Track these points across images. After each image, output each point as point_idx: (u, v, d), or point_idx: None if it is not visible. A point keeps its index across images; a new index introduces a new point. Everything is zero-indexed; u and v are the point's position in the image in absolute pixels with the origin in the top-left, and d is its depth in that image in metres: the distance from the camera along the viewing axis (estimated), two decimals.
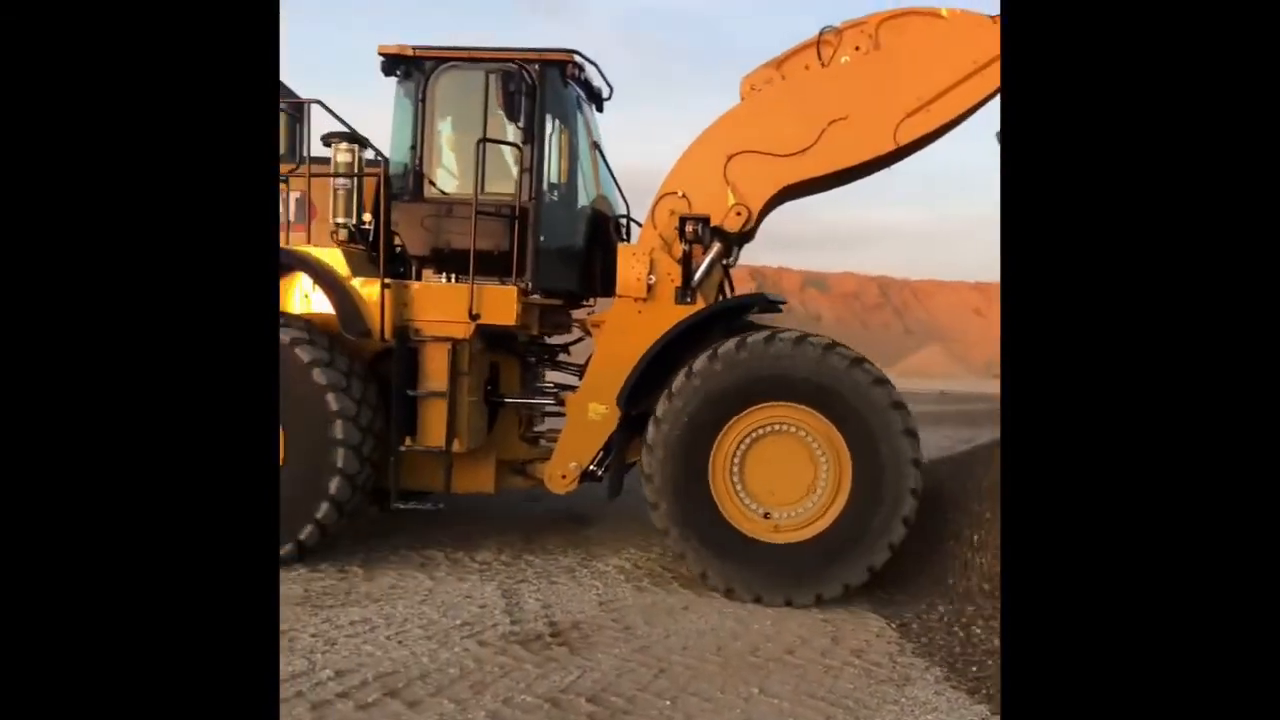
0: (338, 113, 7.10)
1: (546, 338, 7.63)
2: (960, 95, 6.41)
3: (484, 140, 6.61)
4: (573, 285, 7.18)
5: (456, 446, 6.70)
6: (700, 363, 6.13)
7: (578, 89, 7.23)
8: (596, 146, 7.51)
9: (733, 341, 6.16)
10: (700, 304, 6.66)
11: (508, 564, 6.75)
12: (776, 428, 6.14)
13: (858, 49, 6.62)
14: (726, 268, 7.02)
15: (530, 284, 6.79)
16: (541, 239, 6.79)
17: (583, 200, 7.35)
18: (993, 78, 6.29)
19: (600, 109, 7.86)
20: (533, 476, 7.19)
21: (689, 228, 6.61)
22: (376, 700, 4.21)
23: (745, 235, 6.96)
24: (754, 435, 6.15)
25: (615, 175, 7.86)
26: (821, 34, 6.68)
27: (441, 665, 4.68)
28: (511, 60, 6.76)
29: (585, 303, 7.66)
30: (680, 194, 6.72)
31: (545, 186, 6.91)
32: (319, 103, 7.13)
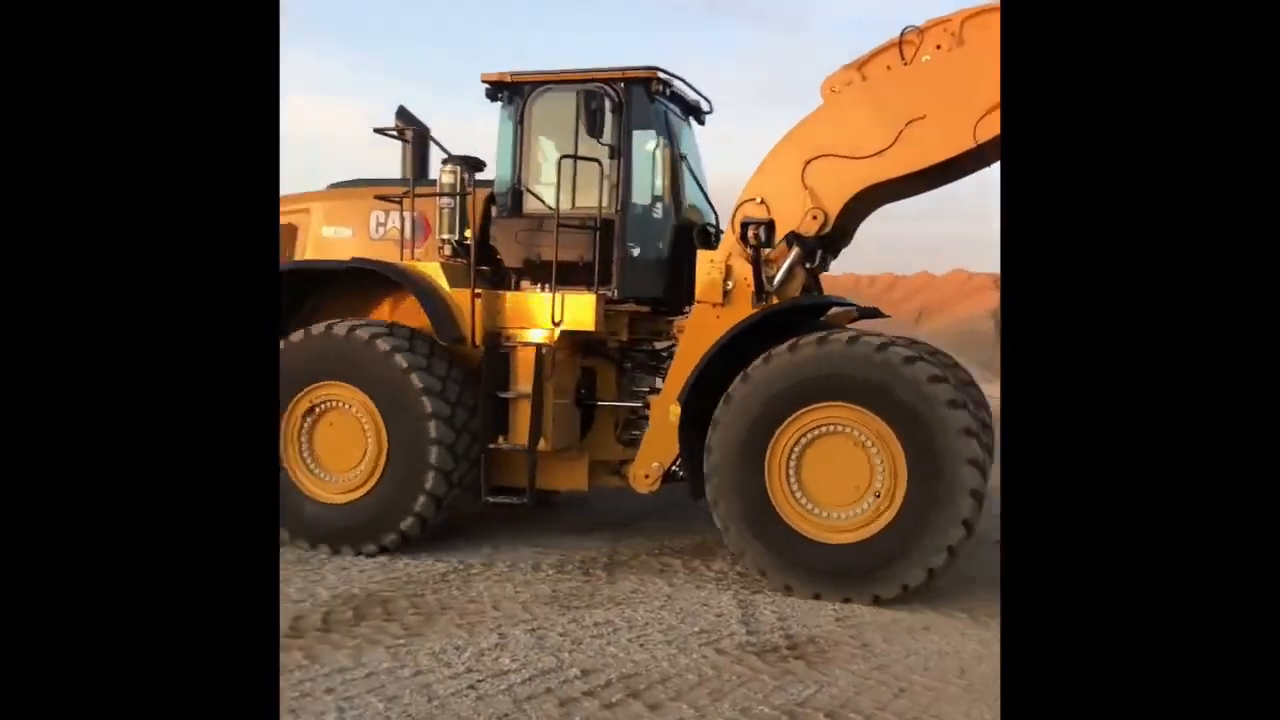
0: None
1: (653, 344, 7.93)
2: None
3: (565, 157, 6.97)
4: (659, 293, 7.44)
5: (542, 445, 7.04)
6: (755, 366, 6.27)
7: (667, 104, 7.51)
8: (683, 158, 7.74)
9: (787, 344, 6.23)
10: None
11: (742, 574, 6.80)
12: (831, 428, 6.17)
13: (939, 47, 6.54)
14: (813, 272, 7.07)
15: (616, 292, 7.13)
16: (628, 249, 7.13)
17: (671, 211, 7.60)
18: None
19: (700, 121, 8.18)
20: (625, 476, 7.38)
21: (750, 231, 6.69)
22: (620, 700, 4.40)
23: (835, 240, 7.10)
24: (809, 436, 6.21)
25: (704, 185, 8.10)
26: (904, 33, 6.64)
27: (681, 670, 4.81)
28: (597, 80, 7.10)
29: (686, 309, 7.79)
30: (759, 200, 6.84)
31: (632, 198, 7.22)
32: (426, 131, 7.58)
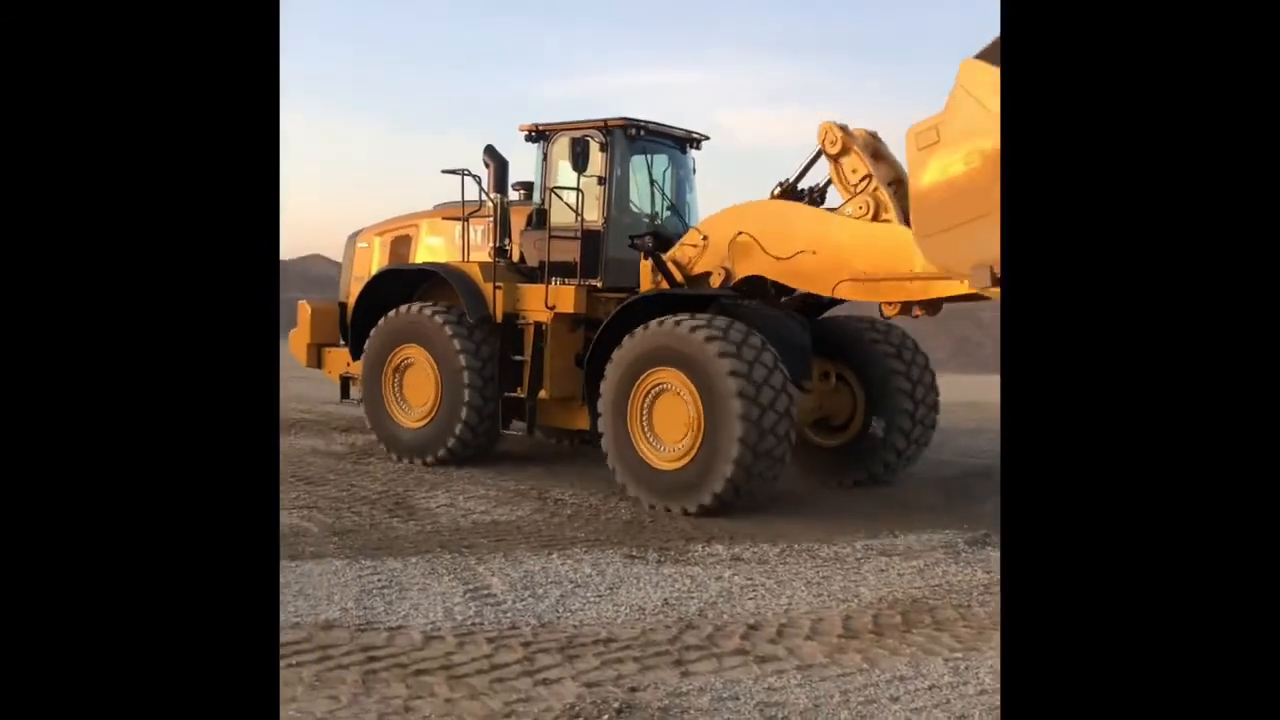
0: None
1: None
2: (895, 290, 7.76)
3: (553, 189, 9.51)
4: (635, 284, 9.53)
5: (543, 395, 9.59)
6: (625, 339, 8.37)
7: (652, 141, 9.87)
8: (654, 183, 10.01)
9: (643, 324, 8.24)
10: None
11: None
12: (666, 386, 8.15)
13: (860, 209, 7.89)
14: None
15: (602, 283, 9.48)
16: (609, 251, 9.46)
17: (645, 222, 9.89)
18: (924, 292, 7.62)
19: (697, 148, 10.45)
20: None
21: (639, 242, 9.01)
22: None
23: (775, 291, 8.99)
24: (654, 391, 8.24)
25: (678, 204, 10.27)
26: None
27: None
28: (590, 128, 9.55)
29: None
30: (703, 235, 8.87)
31: (614, 214, 9.55)
32: (505, 163, 9.93)
